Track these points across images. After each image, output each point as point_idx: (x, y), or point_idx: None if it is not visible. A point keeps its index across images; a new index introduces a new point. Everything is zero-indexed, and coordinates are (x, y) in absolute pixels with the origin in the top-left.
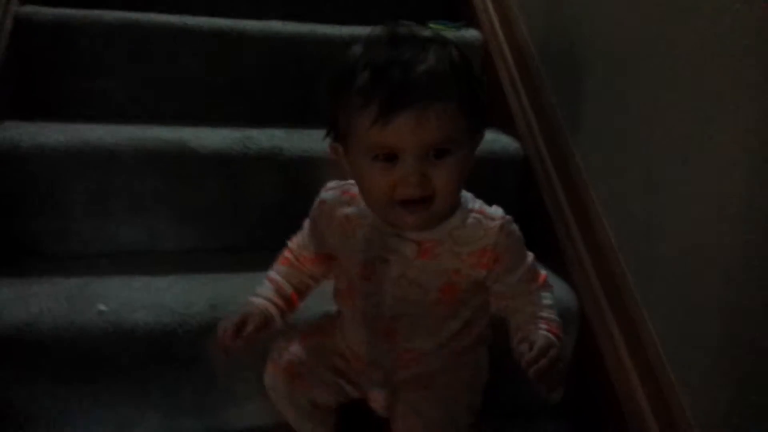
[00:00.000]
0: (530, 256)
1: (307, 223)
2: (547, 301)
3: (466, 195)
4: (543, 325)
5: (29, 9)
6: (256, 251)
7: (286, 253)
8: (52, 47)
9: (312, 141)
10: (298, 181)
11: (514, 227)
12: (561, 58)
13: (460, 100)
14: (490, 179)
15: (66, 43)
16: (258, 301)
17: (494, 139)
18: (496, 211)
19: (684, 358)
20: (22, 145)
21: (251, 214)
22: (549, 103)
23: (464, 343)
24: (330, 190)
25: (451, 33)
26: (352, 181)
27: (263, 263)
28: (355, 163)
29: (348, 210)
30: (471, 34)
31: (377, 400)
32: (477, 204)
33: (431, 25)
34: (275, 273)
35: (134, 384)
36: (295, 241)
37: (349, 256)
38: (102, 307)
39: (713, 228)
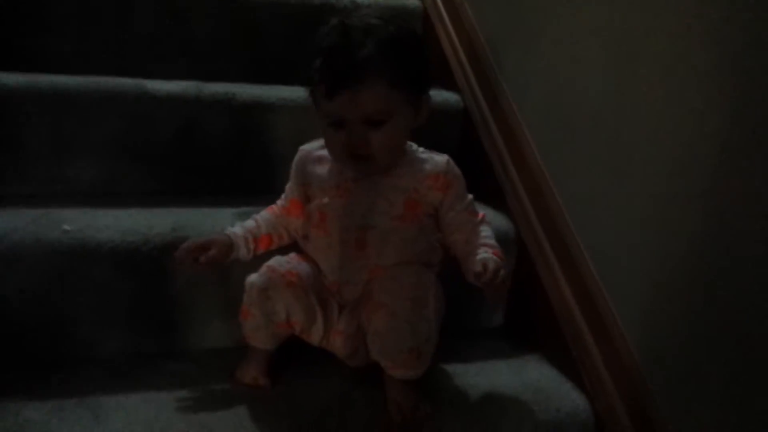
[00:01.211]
0: (469, 195)
1: (291, 174)
2: (487, 233)
3: (414, 146)
4: (489, 249)
5: None
6: (213, 194)
7: (272, 206)
8: None
9: (262, 89)
10: (250, 124)
11: (455, 165)
12: (493, 16)
13: (391, 80)
14: (435, 130)
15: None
16: (235, 230)
17: (436, 94)
18: (441, 155)
19: (615, 276)
20: None
21: (207, 157)
22: (485, 57)
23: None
24: (307, 144)
25: (392, 0)
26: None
27: (220, 203)
28: (321, 124)
29: (322, 152)
30: (412, 2)
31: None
32: (426, 152)
33: None
34: (259, 215)
35: (98, 302)
36: (282, 196)
37: (324, 183)
38: (66, 227)
39: (642, 155)
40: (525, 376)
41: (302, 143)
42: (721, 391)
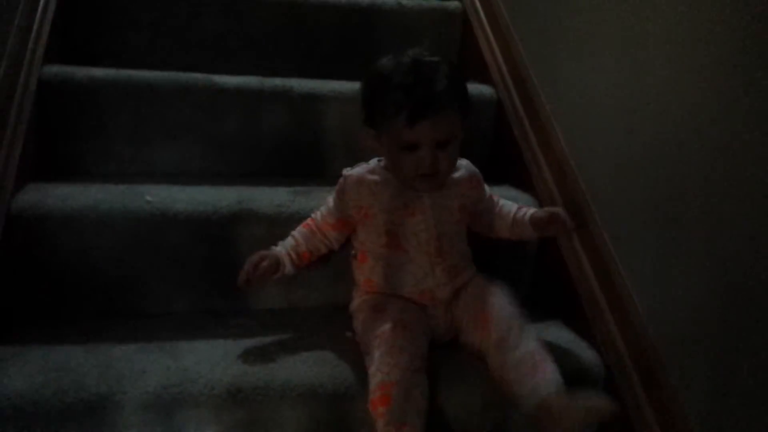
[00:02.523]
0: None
1: (332, 196)
2: (508, 202)
3: None
4: (527, 209)
5: None
6: (271, 175)
7: (308, 221)
8: None
9: (317, 83)
10: (305, 115)
11: None
12: (526, 19)
13: (458, 107)
14: (471, 120)
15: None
16: (277, 249)
17: (473, 88)
18: (461, 159)
19: (628, 243)
20: (75, 77)
21: (266, 143)
22: (518, 54)
23: (470, 261)
24: (352, 169)
25: (434, 2)
26: (365, 162)
27: (277, 183)
28: (388, 150)
29: (375, 177)
30: (452, 4)
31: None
32: None
33: None
34: (297, 233)
35: (174, 264)
36: (318, 213)
37: (384, 207)
38: (149, 198)
39: (652, 131)
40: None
41: (349, 131)
42: (718, 346)
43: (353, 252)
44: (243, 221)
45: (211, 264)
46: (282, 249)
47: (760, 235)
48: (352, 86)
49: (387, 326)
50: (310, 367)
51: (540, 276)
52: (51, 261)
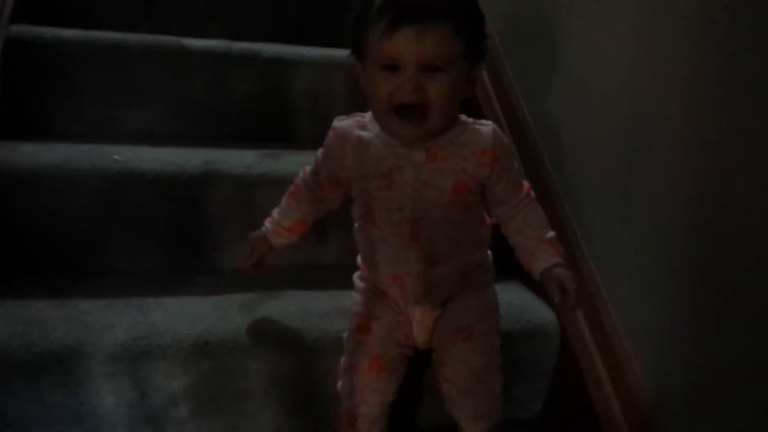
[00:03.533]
0: (516, 164)
1: (320, 152)
2: (538, 215)
3: (460, 115)
4: (552, 251)
5: None
6: (239, 139)
7: (295, 186)
8: None
9: (284, 48)
10: (273, 79)
11: (502, 133)
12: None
13: (456, 25)
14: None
15: None
16: (267, 226)
17: None
18: (486, 121)
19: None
20: (43, 37)
21: (234, 107)
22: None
23: (474, 266)
24: (342, 120)
25: None
26: (361, 114)
27: (245, 147)
28: (367, 75)
29: (361, 132)
30: None
31: (418, 317)
32: (470, 119)
33: None
34: (284, 203)
35: (142, 222)
36: (309, 170)
37: (365, 172)
38: (117, 157)
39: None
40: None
41: (318, 96)
42: (668, 295)
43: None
44: (210, 181)
45: (179, 223)
46: (270, 225)
47: None
48: (321, 52)
49: (365, 363)
50: (277, 322)
51: None
52: (19, 218)
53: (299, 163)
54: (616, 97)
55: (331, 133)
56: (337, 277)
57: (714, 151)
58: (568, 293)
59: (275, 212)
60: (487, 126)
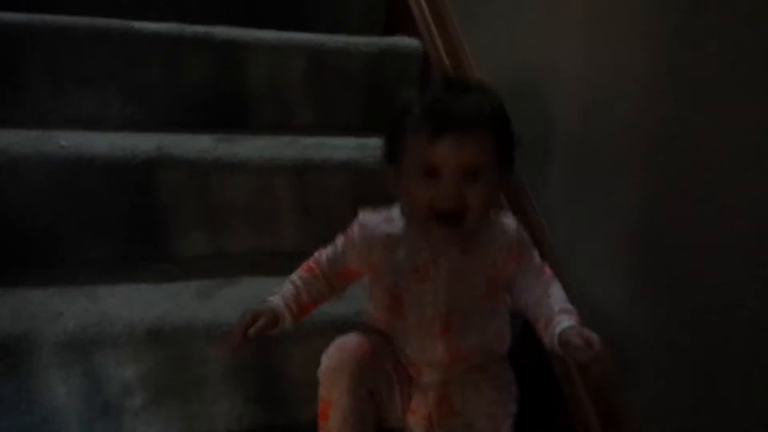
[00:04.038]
0: (537, 256)
1: (340, 241)
2: (558, 291)
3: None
4: (573, 317)
5: None
6: (194, 126)
7: (312, 263)
8: None
9: (240, 31)
10: (229, 63)
11: (522, 227)
12: None
13: (492, 136)
14: (398, 70)
15: None
16: (275, 300)
17: (399, 40)
18: (509, 217)
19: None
20: None
21: (187, 92)
22: (446, 11)
23: (499, 348)
24: (368, 215)
25: None
26: (387, 210)
27: (201, 132)
28: (404, 181)
29: (389, 229)
30: None
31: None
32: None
33: None
34: (298, 278)
35: (92, 210)
36: (324, 255)
37: (394, 268)
38: (63, 143)
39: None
40: None
41: (275, 81)
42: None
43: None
44: (163, 166)
45: (131, 211)
46: (280, 300)
47: None
48: (279, 35)
49: (338, 417)
50: (234, 309)
51: None
52: None
53: (256, 148)
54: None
55: (356, 228)
56: (295, 264)
57: (663, 145)
58: (592, 343)
59: (285, 289)
60: (510, 222)
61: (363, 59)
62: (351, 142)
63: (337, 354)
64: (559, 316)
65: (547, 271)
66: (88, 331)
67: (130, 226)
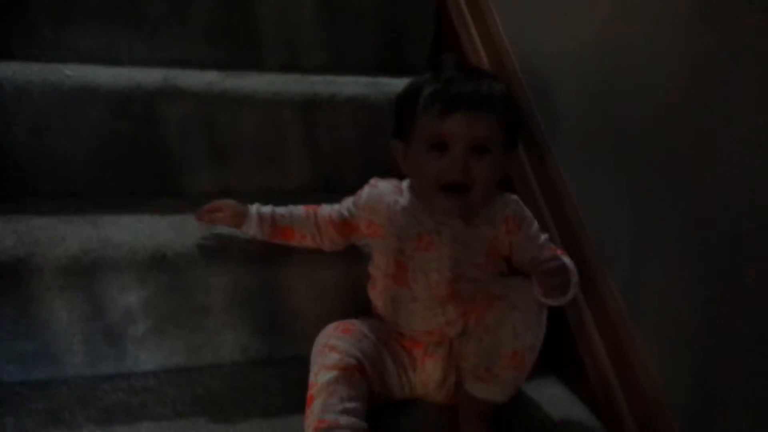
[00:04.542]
0: (544, 235)
1: (350, 200)
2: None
3: None
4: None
5: None
6: (201, 66)
7: (312, 206)
8: None
9: None
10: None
11: (523, 205)
12: None
13: (500, 116)
14: (412, 9)
15: None
16: (254, 206)
17: None
18: (511, 194)
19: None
20: None
21: (195, 31)
22: None
23: None
24: (380, 181)
25: None
26: (398, 181)
27: (210, 68)
28: (412, 155)
29: (397, 198)
30: None
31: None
32: (496, 192)
33: None
34: (292, 208)
35: (97, 141)
36: (328, 206)
37: (399, 232)
38: (69, 72)
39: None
40: None
41: (286, 19)
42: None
43: (370, 280)
44: (169, 97)
45: (137, 143)
46: (257, 208)
47: None
48: None
49: (324, 381)
50: (237, 239)
51: None
52: None
53: (263, 82)
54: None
55: (367, 188)
56: (300, 202)
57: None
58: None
59: (277, 208)
60: (511, 197)
61: None
62: (362, 80)
63: (321, 336)
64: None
65: (556, 248)
66: (90, 255)
67: (136, 159)
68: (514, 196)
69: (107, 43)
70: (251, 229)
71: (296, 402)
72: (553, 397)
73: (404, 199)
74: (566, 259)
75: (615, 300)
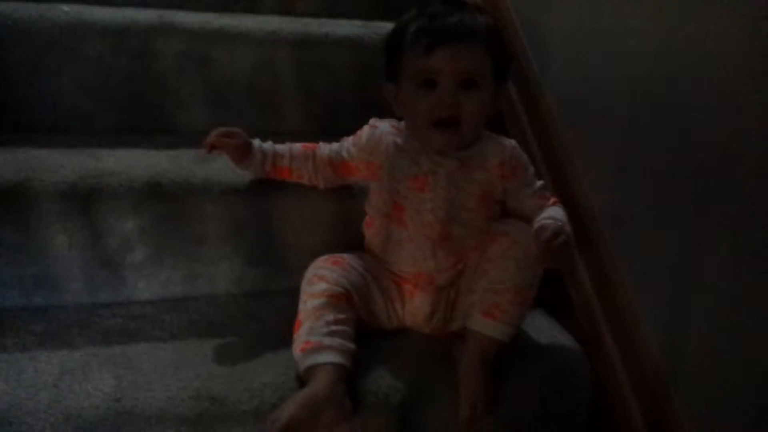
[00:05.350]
0: (539, 181)
1: (349, 140)
2: (557, 211)
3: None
4: (552, 219)
5: None
6: (196, 8)
7: (311, 145)
8: None
9: None
10: None
11: (521, 151)
12: None
13: (487, 47)
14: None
15: None
16: (258, 140)
17: None
18: (509, 139)
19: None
20: None
21: None
22: None
23: None
24: (379, 122)
25: None
26: (396, 121)
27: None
28: (403, 95)
29: (396, 138)
30: None
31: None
32: (494, 135)
33: None
34: (291, 146)
35: (94, 76)
36: (327, 145)
37: (396, 172)
38: (65, 8)
39: None
40: None
41: None
42: None
43: (365, 218)
44: (164, 33)
45: (133, 79)
46: (260, 144)
47: None
48: None
49: (318, 302)
50: (233, 171)
51: None
52: None
53: (258, 22)
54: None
55: (366, 128)
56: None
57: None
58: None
59: (277, 146)
60: (508, 141)
61: None
62: (356, 22)
63: (311, 267)
64: (544, 214)
65: (549, 196)
66: (87, 181)
67: (132, 95)
68: (513, 141)
69: None
70: (251, 166)
71: (288, 329)
72: (540, 326)
73: (401, 139)
74: (560, 214)
75: (605, 244)
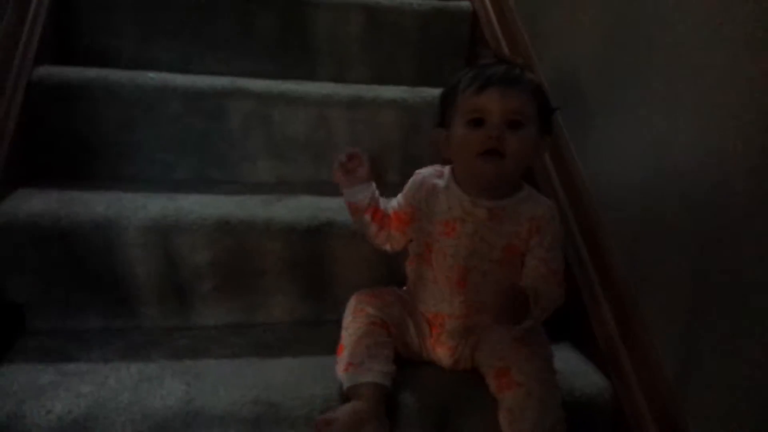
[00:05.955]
0: (560, 254)
1: (405, 190)
2: (548, 291)
3: (526, 186)
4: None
5: None
6: (261, 76)
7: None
8: None
9: None
10: (295, 14)
11: (557, 213)
12: None
13: (532, 94)
14: (449, 29)
15: None
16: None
17: (452, 4)
18: (547, 199)
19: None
20: None
21: (257, 45)
22: None
23: None
24: (424, 169)
25: None
26: (441, 167)
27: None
28: (454, 134)
29: (437, 181)
30: None
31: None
32: (534, 190)
33: None
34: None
35: (172, 133)
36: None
37: (431, 216)
38: (152, 75)
39: None
40: None
41: (335, 37)
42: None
43: (409, 257)
44: (235, 96)
45: (207, 136)
46: (379, 197)
47: None
48: None
49: (352, 334)
50: (290, 211)
51: None
52: (66, 126)
53: (315, 86)
54: None
55: (413, 178)
56: None
57: None
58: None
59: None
60: (545, 200)
61: (416, 17)
62: (402, 88)
63: (353, 300)
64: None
65: (555, 270)
66: (167, 218)
67: (206, 149)
68: (551, 202)
69: (182, 58)
70: (360, 194)
71: (333, 353)
72: (567, 358)
73: (443, 182)
74: (544, 290)
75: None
